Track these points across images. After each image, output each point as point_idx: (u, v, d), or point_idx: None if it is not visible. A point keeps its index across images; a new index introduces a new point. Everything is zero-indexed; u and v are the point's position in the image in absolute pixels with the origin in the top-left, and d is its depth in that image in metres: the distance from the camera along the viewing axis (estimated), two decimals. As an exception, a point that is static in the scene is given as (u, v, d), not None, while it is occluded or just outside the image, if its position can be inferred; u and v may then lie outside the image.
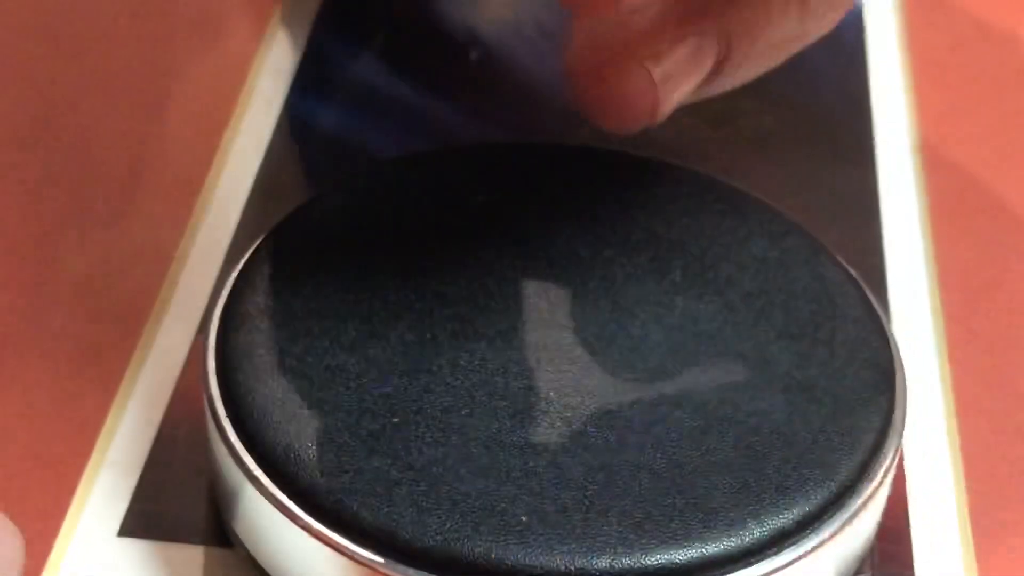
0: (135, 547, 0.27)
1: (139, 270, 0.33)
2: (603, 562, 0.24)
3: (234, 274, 0.28)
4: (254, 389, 0.26)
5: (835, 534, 0.25)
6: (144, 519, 0.28)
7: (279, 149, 0.36)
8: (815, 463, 0.26)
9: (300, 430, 0.25)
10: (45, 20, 0.39)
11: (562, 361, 0.27)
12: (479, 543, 0.24)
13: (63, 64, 0.38)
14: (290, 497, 0.25)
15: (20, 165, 0.35)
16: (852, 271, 0.29)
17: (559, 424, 0.26)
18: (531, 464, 0.25)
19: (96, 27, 0.39)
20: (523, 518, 0.24)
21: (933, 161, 0.37)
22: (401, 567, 0.24)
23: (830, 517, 0.25)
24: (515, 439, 0.25)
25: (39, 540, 0.28)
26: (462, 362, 0.27)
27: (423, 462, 0.25)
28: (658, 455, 0.25)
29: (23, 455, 0.29)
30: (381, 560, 0.24)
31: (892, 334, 0.28)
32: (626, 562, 0.24)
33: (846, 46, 0.39)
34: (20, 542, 0.25)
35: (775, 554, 0.25)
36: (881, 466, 0.26)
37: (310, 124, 0.37)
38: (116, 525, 0.28)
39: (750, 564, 0.25)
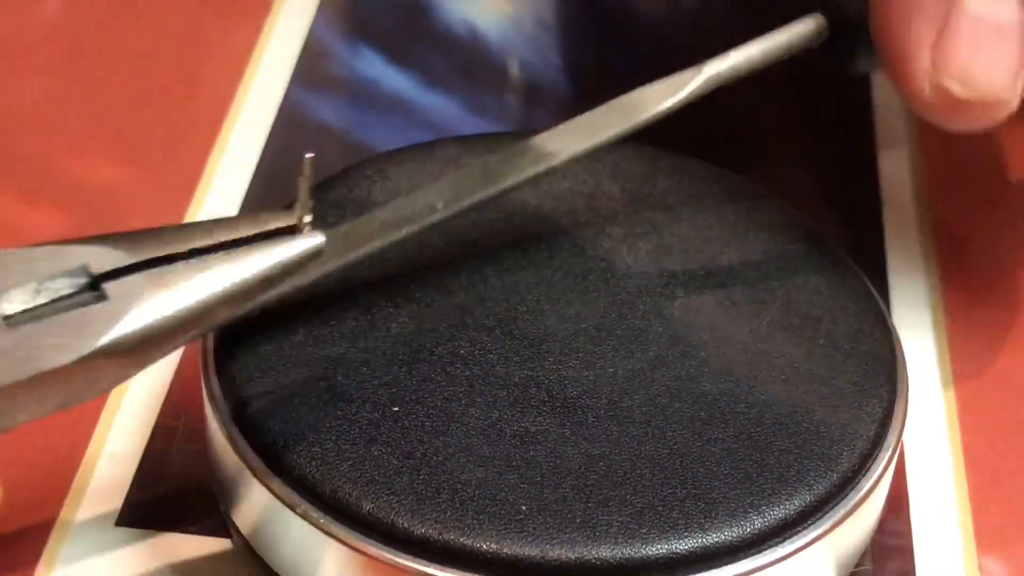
0: (133, 537, 0.27)
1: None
2: (603, 552, 0.24)
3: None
4: (253, 378, 0.26)
5: (836, 526, 0.25)
6: (142, 509, 0.28)
7: (277, 142, 0.36)
8: (816, 454, 0.25)
9: (299, 419, 0.25)
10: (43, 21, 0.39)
11: (562, 351, 0.27)
12: (479, 533, 0.24)
13: (57, 66, 0.38)
14: (289, 486, 0.25)
15: (13, 166, 0.35)
16: (853, 263, 0.29)
17: (559, 414, 0.26)
18: (531, 453, 0.25)
19: (92, 22, 0.39)
20: (523, 507, 0.24)
21: (934, 156, 0.37)
22: (400, 556, 0.24)
23: (831, 509, 0.25)
24: (515, 428, 0.25)
25: (37, 529, 0.27)
26: (462, 351, 0.27)
27: (423, 451, 0.25)
28: (659, 445, 0.25)
29: (21, 444, 0.29)
30: (380, 549, 0.24)
31: (893, 326, 0.28)
32: (626, 552, 0.24)
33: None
34: None
35: (776, 545, 0.25)
36: (882, 458, 0.26)
37: (309, 117, 0.37)
38: (114, 515, 0.28)
39: (750, 555, 0.24)
